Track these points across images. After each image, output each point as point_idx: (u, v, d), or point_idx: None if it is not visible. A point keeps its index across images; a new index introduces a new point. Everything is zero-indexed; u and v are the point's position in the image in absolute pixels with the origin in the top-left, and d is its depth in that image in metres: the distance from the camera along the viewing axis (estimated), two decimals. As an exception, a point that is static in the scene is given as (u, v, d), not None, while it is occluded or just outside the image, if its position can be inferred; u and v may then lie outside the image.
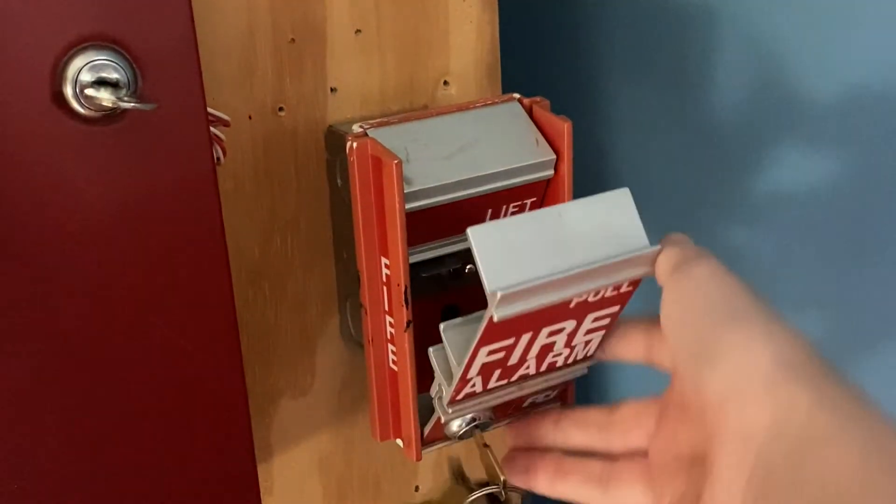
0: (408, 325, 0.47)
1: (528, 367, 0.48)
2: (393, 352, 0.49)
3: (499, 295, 0.40)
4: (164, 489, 0.47)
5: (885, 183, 0.53)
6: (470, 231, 0.41)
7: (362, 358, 0.53)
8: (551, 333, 0.45)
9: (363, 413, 0.60)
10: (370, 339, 0.50)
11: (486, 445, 0.58)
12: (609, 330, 0.47)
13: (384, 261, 0.48)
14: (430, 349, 0.47)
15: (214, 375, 0.46)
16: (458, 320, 0.47)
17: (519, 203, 0.52)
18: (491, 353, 0.45)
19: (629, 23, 0.67)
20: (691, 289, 0.40)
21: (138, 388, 0.44)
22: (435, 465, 0.64)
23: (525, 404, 0.53)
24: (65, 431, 0.44)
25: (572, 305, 0.44)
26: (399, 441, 0.51)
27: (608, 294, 0.44)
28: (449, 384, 0.46)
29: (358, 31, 0.54)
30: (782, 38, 0.57)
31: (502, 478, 0.51)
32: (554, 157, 0.51)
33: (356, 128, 0.48)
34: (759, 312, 0.38)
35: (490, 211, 0.51)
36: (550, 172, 0.51)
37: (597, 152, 0.71)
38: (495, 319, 0.41)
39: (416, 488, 0.64)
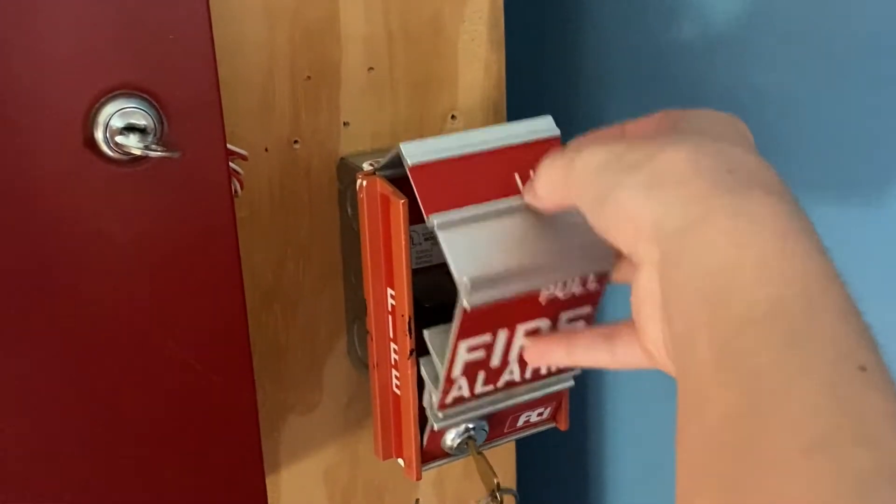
0: (411, 353, 0.50)
1: (512, 373, 0.50)
2: (396, 377, 0.52)
3: (467, 280, 0.43)
4: (176, 500, 0.50)
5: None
6: (438, 231, 0.44)
7: (367, 377, 0.56)
8: (528, 333, 0.48)
9: (367, 428, 0.63)
10: (375, 363, 0.53)
11: (479, 453, 0.60)
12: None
13: (390, 291, 0.51)
14: (420, 359, 0.50)
15: (228, 395, 0.49)
16: (440, 326, 0.49)
17: None
18: (471, 349, 0.47)
19: (634, 60, 0.70)
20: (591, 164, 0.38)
21: (157, 407, 0.47)
22: (436, 480, 0.67)
23: (520, 423, 0.56)
24: (83, 444, 0.47)
25: (543, 301, 0.46)
26: (400, 461, 0.54)
27: (577, 290, 0.47)
28: (437, 388, 0.49)
29: (371, 68, 0.56)
30: (784, 75, 0.59)
31: (496, 480, 0.53)
32: (550, 117, 0.50)
33: (366, 166, 0.50)
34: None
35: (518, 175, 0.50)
36: (556, 131, 0.50)
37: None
38: (467, 308, 0.44)
39: (417, 501, 0.67)
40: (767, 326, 0.31)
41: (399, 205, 0.48)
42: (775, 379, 0.29)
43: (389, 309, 0.51)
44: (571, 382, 0.54)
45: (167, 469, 0.49)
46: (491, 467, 0.54)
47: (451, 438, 0.53)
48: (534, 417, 0.56)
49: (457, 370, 0.48)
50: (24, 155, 0.41)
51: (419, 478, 0.53)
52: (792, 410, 0.28)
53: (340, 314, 0.60)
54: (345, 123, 0.57)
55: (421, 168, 0.46)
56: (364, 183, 0.50)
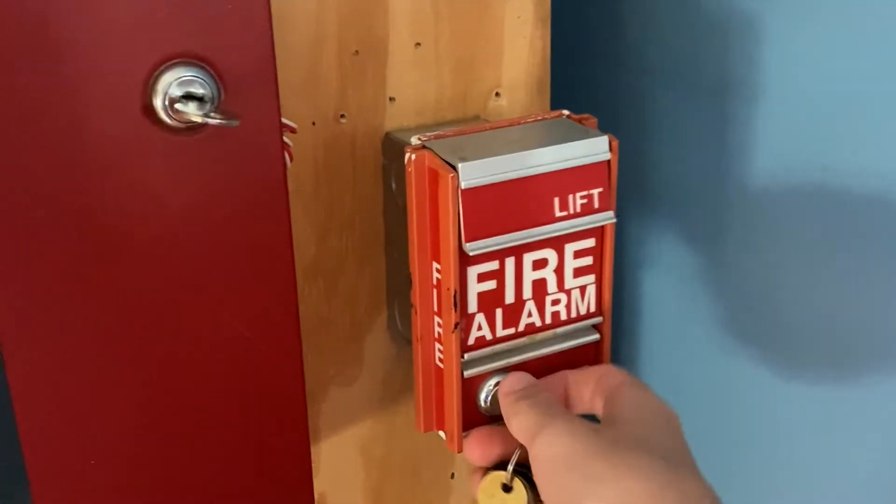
0: (455, 327, 0.51)
1: (531, 315, 0.52)
2: (440, 350, 0.53)
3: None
4: (224, 463, 0.51)
5: None
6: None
7: (407, 352, 0.57)
8: (536, 265, 0.51)
9: (404, 403, 0.64)
10: (419, 336, 0.54)
11: None
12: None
13: (435, 265, 0.51)
14: None
15: (276, 363, 0.50)
16: None
17: (585, 193, 0.52)
18: (481, 278, 0.50)
19: (678, 38, 0.70)
20: (553, 454, 0.45)
21: (207, 374, 0.48)
22: (470, 455, 0.68)
23: None
24: (136, 410, 0.47)
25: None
26: (441, 433, 0.55)
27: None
28: None
29: (417, 44, 0.57)
30: (825, 55, 0.59)
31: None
32: (607, 137, 0.51)
33: (415, 140, 0.51)
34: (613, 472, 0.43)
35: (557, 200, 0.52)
36: (607, 155, 0.51)
37: (639, 163, 0.74)
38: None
39: (452, 475, 0.68)
40: None
41: (448, 178, 0.48)
42: None
43: (434, 283, 0.52)
44: (597, 336, 0.55)
45: (215, 435, 0.50)
46: None
47: (483, 398, 0.54)
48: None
49: (472, 303, 0.50)
50: (84, 122, 0.41)
51: (461, 450, 0.54)
52: None
53: (381, 289, 0.61)
54: (390, 98, 0.57)
55: (472, 192, 0.48)
56: (413, 157, 0.50)
